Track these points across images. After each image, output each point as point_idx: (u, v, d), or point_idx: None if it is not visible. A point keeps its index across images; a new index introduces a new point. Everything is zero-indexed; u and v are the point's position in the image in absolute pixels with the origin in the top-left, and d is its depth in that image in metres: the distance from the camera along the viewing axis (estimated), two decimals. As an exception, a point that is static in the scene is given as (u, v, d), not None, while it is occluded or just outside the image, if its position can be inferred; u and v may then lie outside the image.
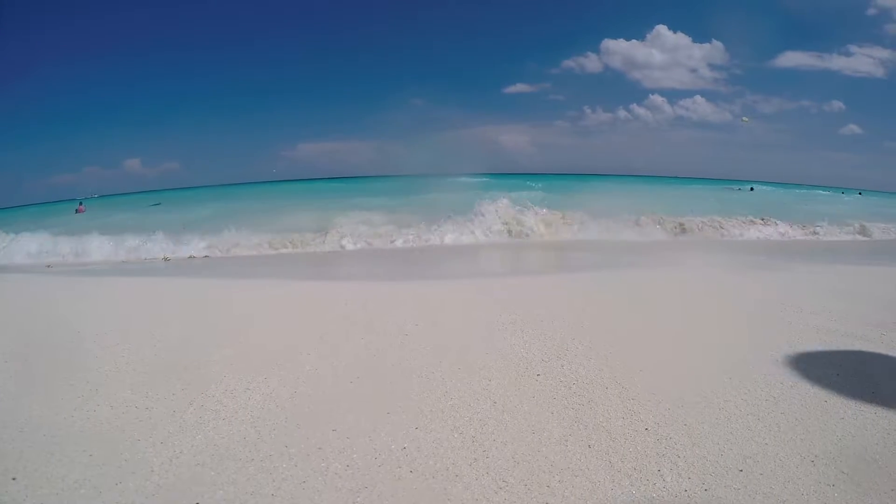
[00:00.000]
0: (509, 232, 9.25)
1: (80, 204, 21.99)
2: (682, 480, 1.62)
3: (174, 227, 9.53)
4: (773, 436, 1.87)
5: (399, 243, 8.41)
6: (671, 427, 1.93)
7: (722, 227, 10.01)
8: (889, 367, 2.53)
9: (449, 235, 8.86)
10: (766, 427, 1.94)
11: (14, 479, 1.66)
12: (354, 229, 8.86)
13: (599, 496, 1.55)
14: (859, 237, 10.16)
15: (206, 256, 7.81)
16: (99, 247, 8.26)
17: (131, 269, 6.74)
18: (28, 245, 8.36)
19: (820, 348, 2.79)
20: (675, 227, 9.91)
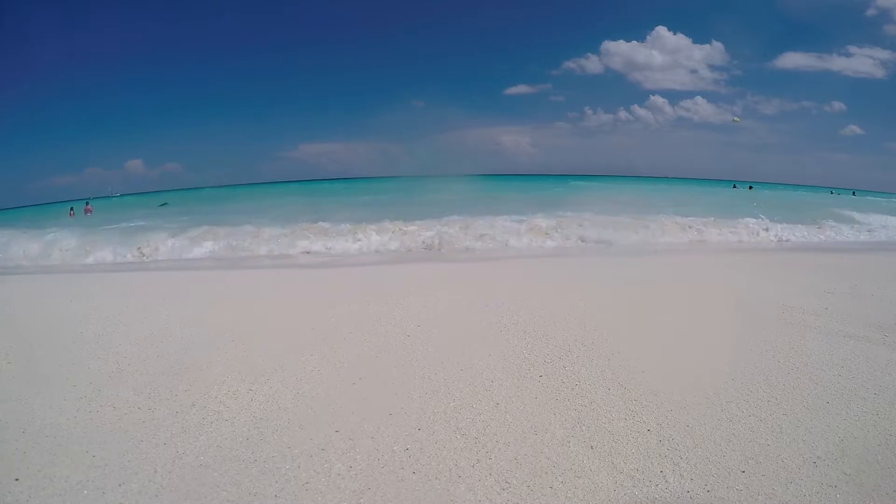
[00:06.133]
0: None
1: (87, 204, 21.68)
2: (684, 481, 1.62)
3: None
4: (775, 437, 1.88)
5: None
6: (673, 428, 1.94)
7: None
8: (891, 369, 2.53)
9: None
10: (768, 428, 1.94)
11: (17, 479, 1.67)
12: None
13: (602, 497, 1.55)
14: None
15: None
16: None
17: (133, 269, 6.75)
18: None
19: (822, 349, 2.79)
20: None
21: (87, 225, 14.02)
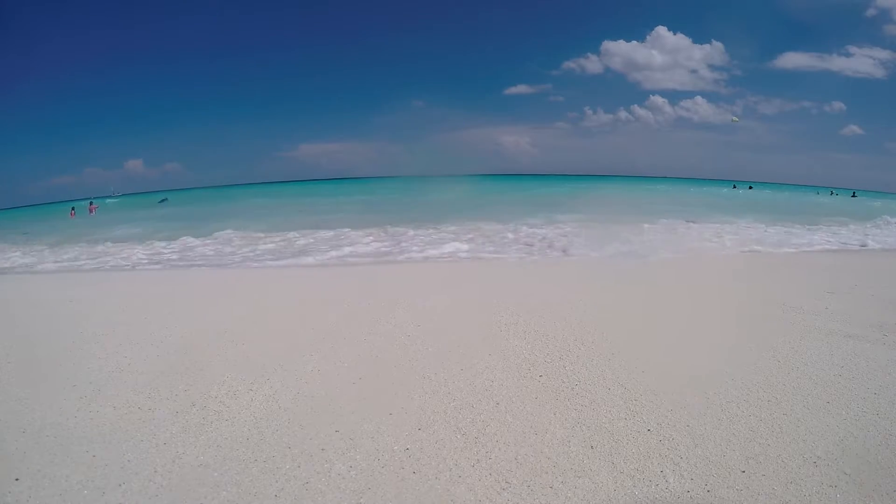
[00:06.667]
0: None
1: (91, 203, 21.70)
2: (684, 481, 1.62)
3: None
4: (776, 437, 1.87)
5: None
6: (673, 428, 1.94)
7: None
8: (891, 369, 2.53)
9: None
10: (768, 428, 1.94)
11: (17, 479, 1.67)
12: None
13: (602, 497, 1.55)
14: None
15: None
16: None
17: (133, 269, 6.74)
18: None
19: (822, 349, 2.79)
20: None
21: (89, 227, 14.03)
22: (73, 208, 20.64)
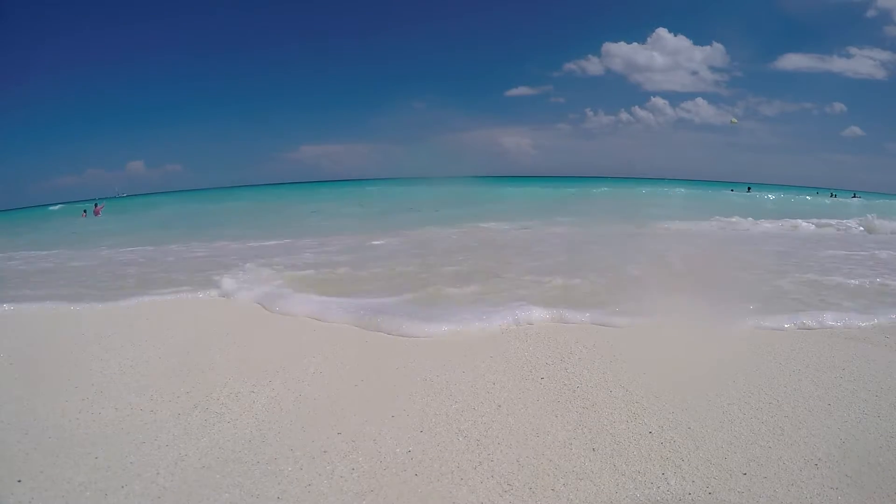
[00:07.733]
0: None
1: (97, 204, 21.66)
2: (685, 483, 1.62)
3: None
4: (777, 439, 1.88)
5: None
6: (675, 430, 1.94)
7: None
8: (893, 370, 2.53)
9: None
10: (769, 430, 1.94)
11: (19, 481, 1.67)
12: None
13: (603, 499, 1.56)
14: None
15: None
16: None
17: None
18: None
19: (823, 350, 2.80)
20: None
21: (93, 229, 14.06)
22: (84, 210, 20.66)
